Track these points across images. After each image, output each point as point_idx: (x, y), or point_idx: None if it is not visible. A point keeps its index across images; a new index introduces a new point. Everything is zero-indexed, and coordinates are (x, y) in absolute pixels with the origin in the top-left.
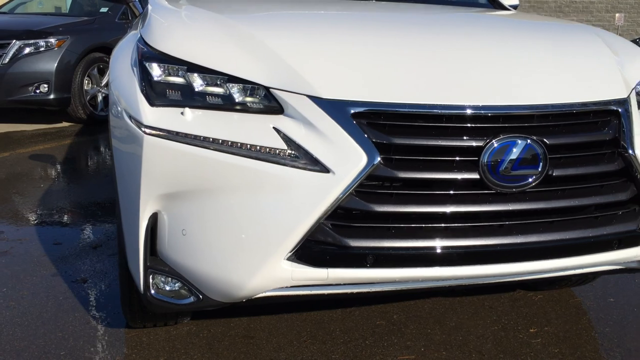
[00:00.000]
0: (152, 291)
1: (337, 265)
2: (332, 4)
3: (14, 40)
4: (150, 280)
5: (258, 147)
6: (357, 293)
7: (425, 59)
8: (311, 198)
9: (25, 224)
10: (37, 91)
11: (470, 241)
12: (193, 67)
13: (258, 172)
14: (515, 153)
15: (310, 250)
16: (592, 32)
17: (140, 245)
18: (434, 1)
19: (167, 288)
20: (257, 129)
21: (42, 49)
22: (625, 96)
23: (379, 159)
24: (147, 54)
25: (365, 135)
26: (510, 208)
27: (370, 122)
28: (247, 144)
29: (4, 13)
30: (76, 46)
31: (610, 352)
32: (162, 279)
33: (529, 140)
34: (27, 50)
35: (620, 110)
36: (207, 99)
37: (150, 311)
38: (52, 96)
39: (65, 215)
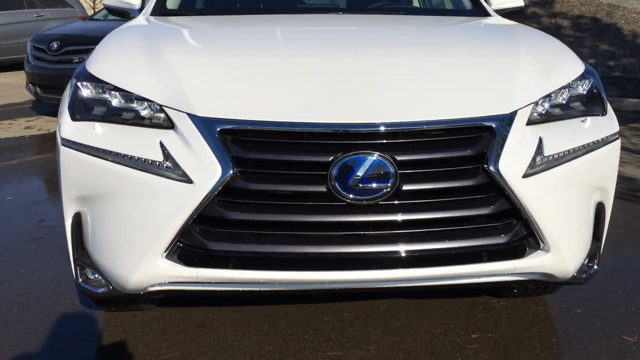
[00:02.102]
0: (80, 280)
1: (204, 266)
2: (281, 21)
3: None
4: (79, 271)
5: (143, 159)
6: (234, 291)
7: (302, 79)
8: (178, 205)
9: None
10: None
11: (322, 248)
12: (108, 87)
13: (139, 181)
14: (363, 168)
15: (182, 251)
16: (517, 45)
17: (69, 240)
18: (410, 12)
19: (92, 278)
20: (147, 143)
21: None
22: (507, 112)
23: (231, 172)
24: (78, 74)
25: (225, 150)
26: (362, 219)
27: (235, 138)
28: (134, 156)
29: (98, 20)
30: None
31: None
32: (89, 270)
33: (377, 157)
34: None
35: (494, 126)
36: (116, 114)
37: (85, 295)
38: None
39: None
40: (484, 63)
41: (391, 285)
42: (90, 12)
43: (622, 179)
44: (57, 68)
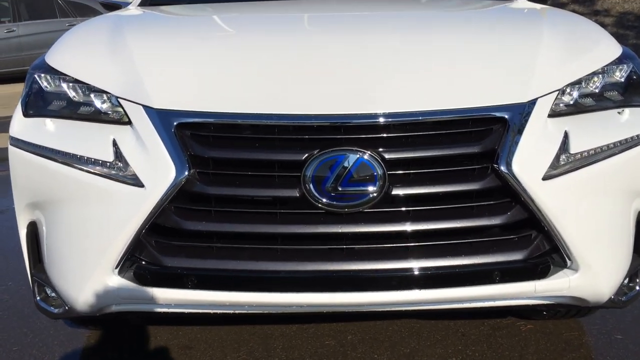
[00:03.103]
0: (38, 298)
1: (159, 285)
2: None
3: None
4: (37, 288)
5: (92, 160)
6: (203, 314)
7: (274, 65)
8: (127, 212)
9: None
10: None
11: (295, 266)
12: (67, 79)
13: (88, 185)
14: (342, 169)
15: (136, 267)
16: (540, 26)
17: (24, 254)
18: None
19: (51, 296)
20: (100, 141)
21: None
22: (524, 101)
23: (187, 173)
24: (35, 66)
25: (181, 148)
26: (342, 230)
27: (193, 133)
28: (83, 156)
29: None
30: None
31: None
32: (46, 288)
33: (361, 154)
34: None
35: (507, 117)
36: (73, 109)
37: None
38: None
39: None
40: (497, 46)
41: (380, 310)
42: None
43: None
44: None
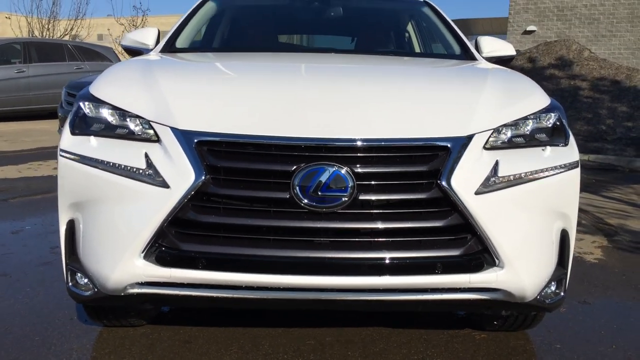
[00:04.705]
0: (70, 284)
1: (176, 266)
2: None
3: None
4: (70, 276)
5: (128, 167)
6: (207, 297)
7: (271, 97)
8: (155, 208)
9: None
10: None
11: (283, 252)
12: (106, 105)
13: (123, 187)
14: (322, 179)
15: (158, 252)
16: (485, 78)
17: (62, 246)
18: (400, 54)
19: (81, 282)
20: (134, 153)
21: None
22: (464, 135)
23: (203, 177)
24: (81, 95)
25: (200, 159)
26: (321, 225)
27: (209, 148)
28: (120, 164)
29: None
30: None
31: None
32: (79, 275)
33: (336, 168)
34: None
35: (449, 146)
36: (111, 129)
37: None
38: None
39: None
40: (448, 91)
41: (347, 297)
42: None
43: (626, 231)
44: None
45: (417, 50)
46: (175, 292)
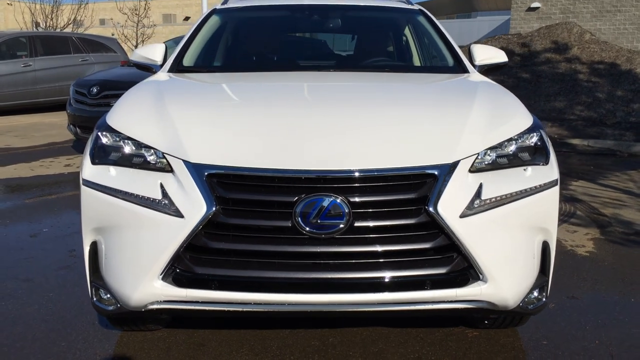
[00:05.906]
0: (95, 299)
1: (191, 287)
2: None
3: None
4: (94, 291)
5: (146, 197)
6: (220, 311)
7: (275, 132)
8: (171, 235)
9: None
10: None
11: (287, 274)
12: (122, 136)
13: (142, 215)
14: (322, 208)
15: (175, 274)
16: (471, 101)
17: (86, 265)
18: (395, 68)
19: (104, 297)
20: (150, 184)
21: None
22: (449, 162)
23: (214, 208)
24: (99, 125)
25: (210, 191)
26: (321, 250)
27: (219, 180)
28: (139, 195)
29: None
30: None
31: None
32: (102, 291)
33: (334, 198)
34: None
35: (436, 173)
36: (128, 159)
37: (98, 313)
38: None
39: None
40: (435, 118)
41: (346, 309)
42: None
43: (620, 222)
44: (96, 110)
45: (414, 56)
46: (191, 307)
